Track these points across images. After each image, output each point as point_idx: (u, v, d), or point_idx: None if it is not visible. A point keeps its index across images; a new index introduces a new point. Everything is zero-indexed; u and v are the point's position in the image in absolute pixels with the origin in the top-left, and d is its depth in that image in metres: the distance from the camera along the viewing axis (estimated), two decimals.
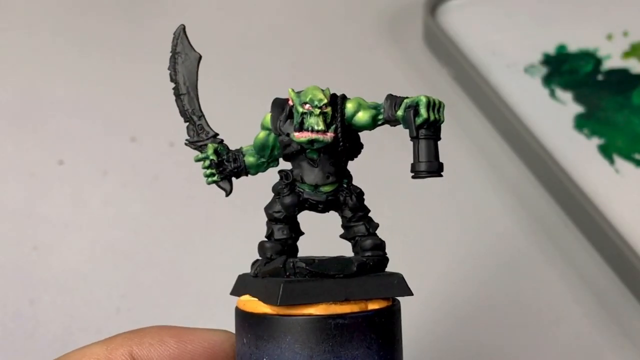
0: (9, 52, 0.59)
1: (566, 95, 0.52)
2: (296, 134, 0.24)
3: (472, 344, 0.42)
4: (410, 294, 0.24)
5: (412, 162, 0.24)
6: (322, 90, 0.24)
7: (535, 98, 0.52)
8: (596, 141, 0.49)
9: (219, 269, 0.45)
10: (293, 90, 0.24)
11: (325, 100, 0.24)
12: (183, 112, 0.31)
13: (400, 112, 0.24)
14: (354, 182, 0.26)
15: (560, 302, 0.43)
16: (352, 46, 0.59)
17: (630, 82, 0.53)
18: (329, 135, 0.24)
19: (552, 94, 0.53)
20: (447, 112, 0.24)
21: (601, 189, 0.46)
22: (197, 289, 0.44)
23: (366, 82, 0.55)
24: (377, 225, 0.26)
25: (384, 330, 0.23)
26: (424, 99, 0.23)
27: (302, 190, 0.25)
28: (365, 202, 0.26)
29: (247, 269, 0.26)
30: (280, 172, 0.25)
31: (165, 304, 0.44)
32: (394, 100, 0.24)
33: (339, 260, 0.24)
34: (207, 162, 0.27)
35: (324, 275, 0.23)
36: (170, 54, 0.28)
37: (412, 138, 0.24)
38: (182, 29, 0.29)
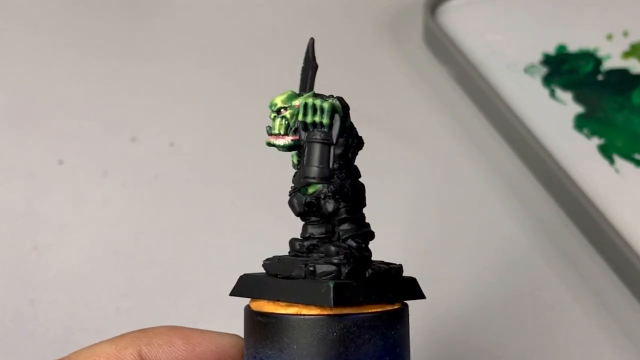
0: (9, 52, 0.59)
1: (566, 95, 0.52)
2: (268, 137, 0.25)
3: (471, 345, 0.42)
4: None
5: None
6: (288, 94, 0.25)
7: (535, 98, 0.52)
8: (596, 141, 0.49)
9: (219, 269, 0.45)
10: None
11: (279, 105, 0.24)
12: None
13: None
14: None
15: (560, 302, 0.43)
16: (352, 46, 0.59)
17: (630, 82, 0.53)
18: (287, 138, 0.24)
19: (552, 94, 0.53)
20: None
21: (601, 189, 0.46)
22: (197, 289, 0.44)
23: (366, 82, 0.55)
24: (352, 233, 0.24)
25: (395, 331, 0.23)
26: (300, 101, 0.24)
27: (296, 192, 0.25)
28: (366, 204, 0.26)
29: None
30: None
31: (165, 304, 0.44)
32: None
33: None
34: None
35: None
36: (304, 66, 0.27)
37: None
38: (313, 42, 0.28)
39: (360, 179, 0.25)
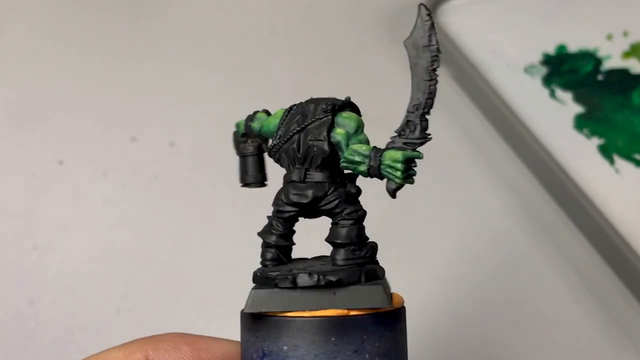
0: (9, 52, 0.59)
1: (566, 95, 0.52)
2: None
3: (471, 345, 0.42)
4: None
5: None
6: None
7: (535, 98, 0.52)
8: (596, 141, 0.49)
9: (219, 269, 0.45)
10: None
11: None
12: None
13: None
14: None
15: (560, 302, 0.43)
16: (352, 46, 0.59)
17: (630, 82, 0.53)
18: None
19: (552, 94, 0.53)
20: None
21: (601, 189, 0.46)
22: (197, 289, 0.44)
23: (366, 82, 0.55)
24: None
25: (392, 331, 0.23)
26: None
27: None
28: (364, 202, 0.26)
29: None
30: None
31: (165, 304, 0.44)
32: None
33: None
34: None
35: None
36: (434, 33, 0.24)
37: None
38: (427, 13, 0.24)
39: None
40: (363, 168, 0.24)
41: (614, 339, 0.41)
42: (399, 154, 0.24)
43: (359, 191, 0.25)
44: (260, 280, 0.24)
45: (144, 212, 0.48)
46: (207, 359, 0.27)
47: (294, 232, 0.26)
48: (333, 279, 0.23)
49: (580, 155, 0.48)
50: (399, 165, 0.23)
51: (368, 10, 0.61)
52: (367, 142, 0.25)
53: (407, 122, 0.24)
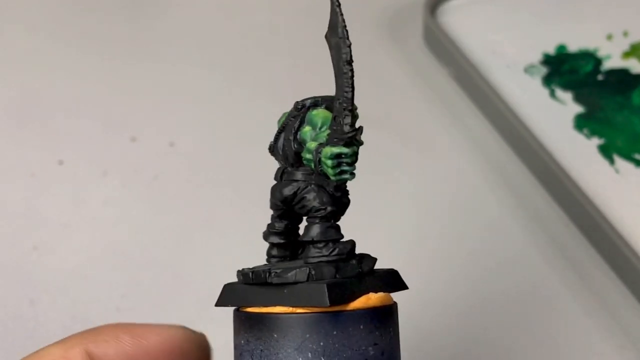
0: (9, 52, 0.59)
1: (566, 95, 0.52)
2: None
3: (470, 344, 0.42)
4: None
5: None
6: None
7: (535, 98, 0.52)
8: (596, 141, 0.49)
9: (219, 269, 0.45)
10: None
11: None
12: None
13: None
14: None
15: (560, 302, 0.43)
16: (352, 46, 0.59)
17: (630, 82, 0.53)
18: None
19: (552, 94, 0.53)
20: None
21: (601, 189, 0.46)
22: (197, 289, 0.44)
23: (366, 82, 0.55)
24: None
25: (383, 327, 0.23)
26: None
27: None
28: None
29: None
30: None
31: (165, 304, 0.44)
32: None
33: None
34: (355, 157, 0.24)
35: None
36: (344, 26, 0.23)
37: None
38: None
39: None
40: (313, 165, 0.24)
41: (614, 339, 0.41)
42: (328, 150, 0.23)
43: (337, 189, 0.25)
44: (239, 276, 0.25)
45: (144, 212, 0.48)
46: (150, 346, 0.26)
47: (293, 229, 0.26)
48: (282, 276, 0.23)
49: (580, 155, 0.48)
50: (329, 162, 0.23)
51: (368, 10, 0.61)
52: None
53: (334, 118, 0.24)
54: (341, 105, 0.23)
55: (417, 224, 0.47)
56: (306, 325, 0.23)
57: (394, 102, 0.55)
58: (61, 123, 0.54)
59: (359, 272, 0.24)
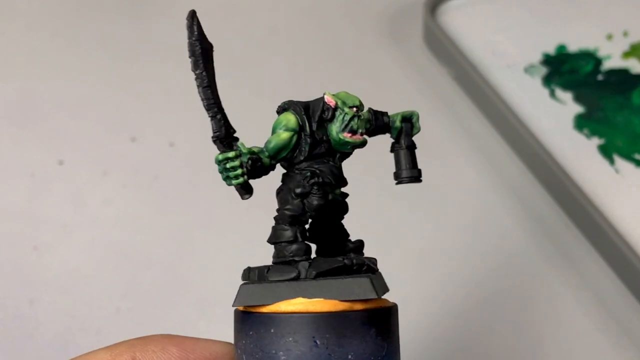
0: (9, 52, 0.59)
1: (566, 95, 0.52)
2: (349, 135, 0.24)
3: (471, 345, 0.42)
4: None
5: (394, 169, 0.26)
6: (352, 96, 0.25)
7: (535, 98, 0.52)
8: (596, 141, 0.49)
9: (219, 269, 0.45)
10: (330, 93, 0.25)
11: (358, 104, 0.25)
12: (210, 105, 0.27)
13: (398, 124, 0.25)
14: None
15: (560, 301, 0.43)
16: (352, 46, 0.59)
17: (630, 82, 0.53)
18: (365, 136, 0.25)
19: (552, 94, 0.53)
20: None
21: (601, 189, 0.46)
22: (197, 289, 0.44)
23: (366, 82, 0.55)
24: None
25: (384, 328, 0.23)
26: (417, 113, 0.25)
27: (328, 192, 0.25)
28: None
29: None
30: (306, 171, 0.25)
31: (165, 304, 0.44)
32: (376, 112, 0.25)
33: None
34: (238, 161, 0.25)
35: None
36: (192, 40, 0.25)
37: (397, 148, 0.26)
38: (193, 14, 0.26)
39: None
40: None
41: (614, 339, 0.41)
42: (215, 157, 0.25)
43: (299, 190, 0.25)
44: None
45: (144, 212, 0.48)
46: (195, 359, 0.27)
47: (305, 230, 0.26)
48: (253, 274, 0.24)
49: (580, 155, 0.48)
50: (218, 168, 0.25)
51: (368, 10, 0.61)
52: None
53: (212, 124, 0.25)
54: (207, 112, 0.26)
55: (415, 223, 0.47)
56: (307, 325, 0.23)
57: (394, 101, 0.55)
58: (61, 123, 0.54)
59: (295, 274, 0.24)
